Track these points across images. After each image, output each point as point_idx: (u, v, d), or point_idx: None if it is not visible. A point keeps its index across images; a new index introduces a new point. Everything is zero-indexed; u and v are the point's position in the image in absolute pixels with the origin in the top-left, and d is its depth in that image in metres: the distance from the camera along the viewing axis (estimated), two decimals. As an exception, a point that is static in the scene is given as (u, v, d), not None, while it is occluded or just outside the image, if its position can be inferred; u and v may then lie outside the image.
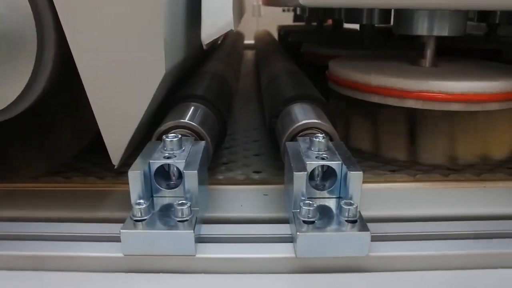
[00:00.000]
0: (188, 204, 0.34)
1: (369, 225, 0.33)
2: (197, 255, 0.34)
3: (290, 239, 0.36)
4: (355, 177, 0.34)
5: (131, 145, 0.41)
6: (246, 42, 1.61)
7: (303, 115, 0.44)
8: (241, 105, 0.82)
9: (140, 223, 0.34)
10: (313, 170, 0.37)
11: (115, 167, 0.41)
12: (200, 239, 0.36)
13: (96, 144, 0.43)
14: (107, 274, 0.34)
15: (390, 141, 0.54)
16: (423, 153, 0.52)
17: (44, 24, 0.35)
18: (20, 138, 0.49)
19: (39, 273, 0.34)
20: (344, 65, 0.58)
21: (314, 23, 1.43)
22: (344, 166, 0.35)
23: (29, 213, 0.41)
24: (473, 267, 0.35)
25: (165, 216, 0.35)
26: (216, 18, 0.45)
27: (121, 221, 0.34)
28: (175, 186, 0.38)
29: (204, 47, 0.46)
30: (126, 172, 0.35)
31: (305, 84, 0.57)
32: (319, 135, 0.38)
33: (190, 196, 0.35)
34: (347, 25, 1.21)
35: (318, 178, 0.39)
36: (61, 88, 0.41)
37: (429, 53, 0.54)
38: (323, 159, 0.37)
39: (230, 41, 1.14)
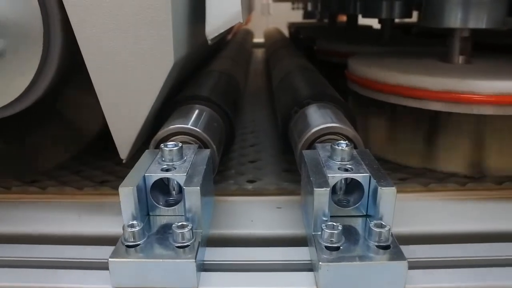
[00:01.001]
0: (189, 227, 0.29)
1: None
2: None
3: (310, 267, 0.30)
4: (388, 194, 0.29)
5: (139, 139, 0.38)
6: (255, 40, 1.56)
7: (321, 118, 0.38)
8: (252, 106, 0.76)
9: (132, 249, 0.29)
10: (335, 184, 0.32)
11: (124, 161, 0.39)
12: (203, 267, 0.30)
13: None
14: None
15: (406, 146, 0.48)
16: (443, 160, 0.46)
17: (51, 18, 0.34)
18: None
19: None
20: (366, 62, 0.52)
21: (326, 20, 1.37)
22: (373, 180, 0.30)
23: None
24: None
25: (163, 240, 0.30)
26: (223, 9, 0.40)
27: (114, 240, 0.29)
28: (176, 203, 0.33)
29: (209, 42, 0.41)
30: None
31: (321, 82, 0.52)
32: (341, 141, 0.33)
33: (192, 216, 0.30)
34: (361, 22, 1.15)
35: (341, 192, 0.33)
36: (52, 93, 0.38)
37: (461, 48, 0.48)
38: (347, 170, 0.31)
39: (239, 38, 1.09)
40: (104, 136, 0.40)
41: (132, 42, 0.34)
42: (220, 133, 0.42)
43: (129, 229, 0.29)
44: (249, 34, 1.42)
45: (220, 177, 0.46)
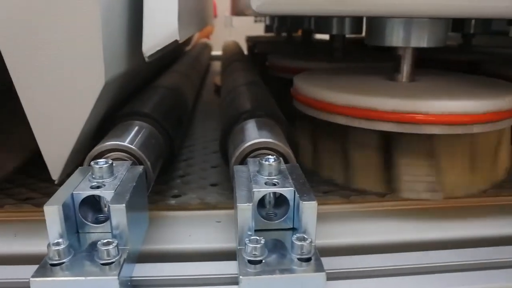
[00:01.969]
0: (115, 244, 0.29)
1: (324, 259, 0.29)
2: (125, 305, 0.29)
3: (237, 281, 0.31)
4: (309, 207, 0.30)
5: (72, 158, 0.38)
6: (216, 53, 1.57)
7: (255, 133, 0.39)
8: (203, 119, 0.77)
9: (57, 267, 0.29)
10: (263, 197, 0.33)
11: (55, 182, 0.38)
12: (131, 283, 0.31)
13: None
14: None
15: (362, 169, 0.47)
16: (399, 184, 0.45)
17: None
18: None
19: None
20: (308, 80, 0.51)
21: (284, 34, 1.39)
22: (297, 194, 0.31)
23: None
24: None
25: (89, 257, 0.30)
26: (159, 27, 0.41)
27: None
28: (106, 220, 0.33)
29: (146, 59, 0.41)
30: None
31: (264, 98, 0.53)
32: (269, 157, 0.34)
33: (119, 233, 0.30)
34: (319, 36, 1.18)
35: (270, 206, 0.34)
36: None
37: (405, 66, 0.48)
38: (274, 185, 0.32)
39: (195, 52, 1.09)
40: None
41: (61, 60, 0.34)
42: (158, 150, 0.42)
43: (54, 247, 0.29)
44: (207, 47, 1.42)
45: (159, 193, 0.47)
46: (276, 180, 0.32)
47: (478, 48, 0.90)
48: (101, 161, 0.34)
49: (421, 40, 0.44)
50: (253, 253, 0.29)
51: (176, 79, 0.67)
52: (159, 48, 0.41)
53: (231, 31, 2.34)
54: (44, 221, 0.29)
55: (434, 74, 0.54)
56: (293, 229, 0.32)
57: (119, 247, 0.29)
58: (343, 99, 0.43)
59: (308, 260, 0.29)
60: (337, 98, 0.44)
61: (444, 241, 0.38)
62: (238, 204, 0.29)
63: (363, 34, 0.60)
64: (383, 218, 0.41)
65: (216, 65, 1.43)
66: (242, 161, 0.37)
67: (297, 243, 0.29)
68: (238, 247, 0.30)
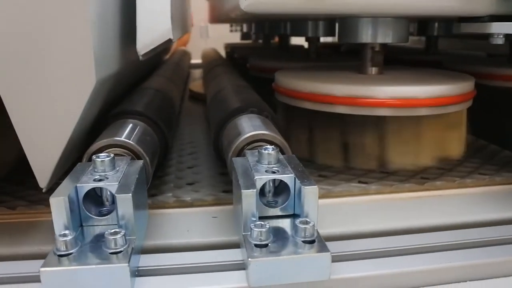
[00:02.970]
0: (122, 233, 0.30)
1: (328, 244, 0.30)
2: (135, 292, 0.29)
3: (243, 266, 0.32)
4: (310, 192, 0.31)
5: (61, 165, 0.36)
6: (193, 61, 1.58)
7: (250, 127, 0.40)
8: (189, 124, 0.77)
9: (65, 258, 0.29)
10: (263, 186, 0.34)
11: (43, 190, 0.36)
12: (138, 273, 0.31)
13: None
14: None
15: (325, 148, 0.53)
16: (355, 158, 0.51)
17: None
18: None
19: None
20: (287, 74, 0.56)
21: (260, 41, 1.42)
22: (297, 180, 0.32)
23: None
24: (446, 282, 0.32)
25: (96, 248, 0.30)
26: (152, 26, 0.41)
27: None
28: (109, 213, 0.33)
29: (140, 58, 0.42)
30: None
31: (251, 95, 0.54)
32: (268, 146, 0.35)
33: (124, 223, 0.31)
34: (295, 42, 1.21)
35: (270, 194, 0.35)
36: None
37: (372, 60, 0.53)
38: (274, 172, 0.33)
39: (175, 59, 1.10)
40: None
41: (49, 60, 0.32)
42: (154, 146, 0.42)
43: (61, 239, 0.29)
44: (186, 54, 1.43)
45: (157, 190, 0.47)
46: (276, 169, 0.33)
47: (441, 50, 0.95)
48: (103, 155, 0.34)
49: (387, 36, 0.50)
50: (259, 237, 0.30)
51: (163, 82, 0.68)
52: (153, 46, 0.42)
53: (207, 41, 2.35)
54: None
55: (403, 69, 0.59)
56: (294, 216, 0.33)
57: (126, 237, 0.30)
58: (310, 87, 0.49)
59: (312, 242, 0.30)
60: (305, 86, 0.50)
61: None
62: (242, 191, 0.30)
63: (336, 37, 0.64)
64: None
65: (194, 73, 1.44)
66: (239, 154, 0.38)
67: (300, 226, 0.30)
68: (244, 233, 0.31)
